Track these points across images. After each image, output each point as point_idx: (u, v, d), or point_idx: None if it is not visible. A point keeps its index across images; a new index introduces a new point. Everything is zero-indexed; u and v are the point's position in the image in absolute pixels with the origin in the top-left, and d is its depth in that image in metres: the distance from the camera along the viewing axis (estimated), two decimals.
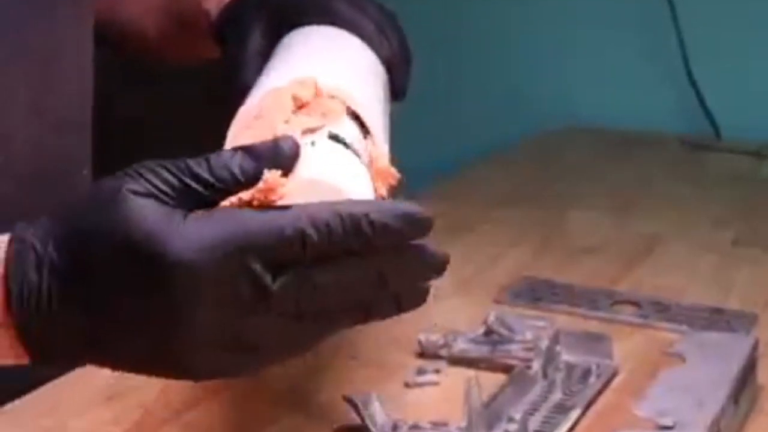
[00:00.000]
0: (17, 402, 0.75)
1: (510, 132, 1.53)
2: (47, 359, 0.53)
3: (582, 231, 1.12)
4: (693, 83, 1.50)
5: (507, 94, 1.61)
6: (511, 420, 0.68)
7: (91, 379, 0.78)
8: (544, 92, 1.59)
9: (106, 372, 0.78)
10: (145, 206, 0.48)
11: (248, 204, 0.49)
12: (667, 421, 0.68)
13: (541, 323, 0.85)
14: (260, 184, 0.49)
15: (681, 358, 0.77)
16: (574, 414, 0.73)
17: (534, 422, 0.72)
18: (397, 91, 0.73)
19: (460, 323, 0.86)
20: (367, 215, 0.48)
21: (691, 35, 1.49)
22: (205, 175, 0.50)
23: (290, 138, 0.51)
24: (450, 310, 0.91)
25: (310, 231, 0.48)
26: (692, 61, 1.49)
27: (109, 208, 0.49)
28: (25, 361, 0.53)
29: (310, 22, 0.71)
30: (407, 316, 0.89)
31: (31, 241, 0.50)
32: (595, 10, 1.56)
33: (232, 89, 0.69)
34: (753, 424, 0.75)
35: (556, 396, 0.75)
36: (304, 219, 0.48)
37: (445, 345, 0.82)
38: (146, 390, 0.76)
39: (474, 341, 0.82)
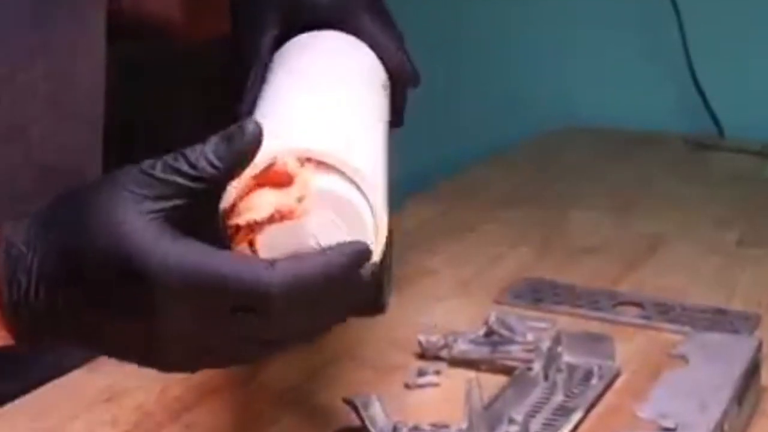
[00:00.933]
0: (15, 403, 0.75)
1: (510, 132, 1.53)
2: (33, 342, 0.57)
3: (583, 231, 1.12)
4: (696, 82, 1.50)
5: (507, 94, 1.61)
6: (512, 422, 0.68)
7: (89, 381, 0.78)
8: (545, 92, 1.59)
9: (105, 373, 0.79)
10: (132, 221, 0.52)
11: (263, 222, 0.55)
12: (670, 423, 0.68)
13: (542, 324, 0.85)
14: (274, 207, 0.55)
15: (684, 359, 0.77)
16: (576, 416, 0.73)
17: (535, 424, 0.71)
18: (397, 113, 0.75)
19: (461, 324, 0.86)
20: (325, 275, 0.54)
21: (694, 34, 1.49)
22: (185, 168, 0.53)
23: (253, 119, 0.54)
24: (450, 311, 0.91)
25: (275, 292, 0.53)
26: (695, 60, 1.49)
27: (96, 223, 0.53)
28: (8, 342, 0.57)
29: (325, 25, 0.72)
30: (407, 317, 0.90)
31: (19, 247, 0.55)
32: (596, 10, 1.56)
33: (236, 83, 0.70)
34: (756, 426, 0.75)
35: (558, 398, 0.75)
36: (277, 281, 0.53)
37: (446, 346, 0.82)
38: (145, 391, 0.76)
39: (474, 342, 0.82)
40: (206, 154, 0.53)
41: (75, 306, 0.55)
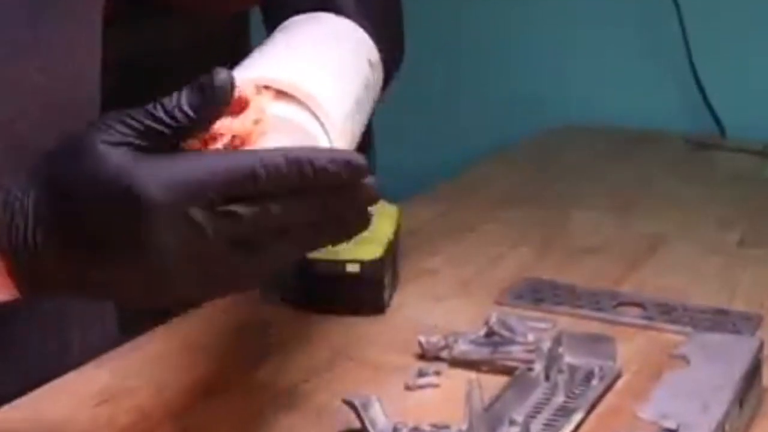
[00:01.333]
0: (15, 403, 0.75)
1: (511, 132, 1.52)
2: (35, 290, 0.58)
3: (584, 231, 1.12)
4: (697, 81, 1.49)
5: (507, 94, 1.61)
6: (512, 423, 0.68)
7: (88, 382, 0.78)
8: (546, 91, 1.59)
9: (103, 374, 0.79)
10: (113, 152, 0.55)
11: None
12: (671, 424, 0.67)
13: (543, 325, 0.85)
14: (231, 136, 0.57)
15: (685, 360, 0.76)
16: (577, 417, 0.73)
17: (536, 425, 0.71)
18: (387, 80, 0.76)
19: (461, 324, 0.85)
20: (310, 160, 0.56)
21: (696, 33, 1.48)
22: (161, 114, 0.56)
23: (224, 69, 0.57)
24: (451, 312, 0.91)
25: (260, 171, 0.55)
26: (696, 59, 1.49)
27: (84, 157, 0.56)
28: (12, 294, 0.58)
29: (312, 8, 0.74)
30: (407, 318, 0.90)
31: (15, 193, 0.57)
32: (596, 9, 1.56)
33: None
34: (758, 426, 0.74)
35: (559, 398, 0.75)
36: (257, 161, 0.55)
37: (446, 347, 0.81)
38: (142, 392, 0.76)
39: (475, 343, 0.81)
40: (182, 105, 0.56)
41: (71, 245, 0.56)
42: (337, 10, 0.73)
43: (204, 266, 0.56)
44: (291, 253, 0.58)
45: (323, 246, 0.59)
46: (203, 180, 0.55)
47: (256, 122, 0.58)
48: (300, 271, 0.89)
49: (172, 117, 0.56)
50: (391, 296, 0.92)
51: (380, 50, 0.74)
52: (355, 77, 0.69)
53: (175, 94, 0.56)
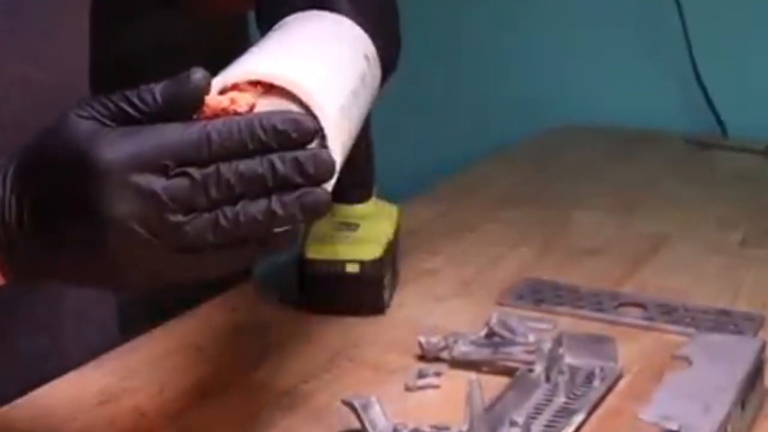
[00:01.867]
0: (14, 404, 0.75)
1: (511, 132, 1.52)
2: (14, 269, 0.59)
3: (585, 231, 1.12)
4: (699, 81, 1.49)
5: (508, 93, 1.60)
6: (513, 424, 0.68)
7: (87, 383, 0.78)
8: (547, 91, 1.59)
9: (103, 375, 0.78)
10: (82, 122, 0.58)
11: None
12: (673, 426, 0.67)
13: (543, 325, 0.85)
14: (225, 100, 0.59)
15: (687, 361, 0.76)
16: (578, 418, 0.72)
17: (537, 426, 0.71)
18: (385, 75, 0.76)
19: (461, 325, 0.85)
20: (260, 119, 0.58)
21: (697, 33, 1.48)
22: (135, 99, 0.58)
23: (201, 70, 0.59)
24: (451, 312, 0.90)
25: (214, 135, 0.57)
26: (698, 58, 1.48)
27: (56, 127, 0.59)
28: None
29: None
30: (407, 318, 0.90)
31: (2, 163, 0.59)
32: (597, 9, 1.56)
33: None
34: (760, 427, 0.74)
35: (560, 399, 0.74)
36: (210, 126, 0.57)
37: (446, 347, 0.81)
38: (142, 392, 0.76)
39: (475, 343, 0.81)
40: (154, 92, 0.58)
41: (37, 213, 0.57)
42: (333, 9, 0.73)
43: (163, 238, 0.56)
44: (249, 225, 0.57)
45: (282, 223, 0.58)
46: (159, 146, 0.56)
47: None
48: (299, 272, 0.89)
49: (144, 102, 0.58)
50: (391, 296, 0.92)
51: (377, 47, 0.73)
52: (351, 71, 0.69)
53: (153, 84, 0.59)
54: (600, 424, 0.73)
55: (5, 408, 0.74)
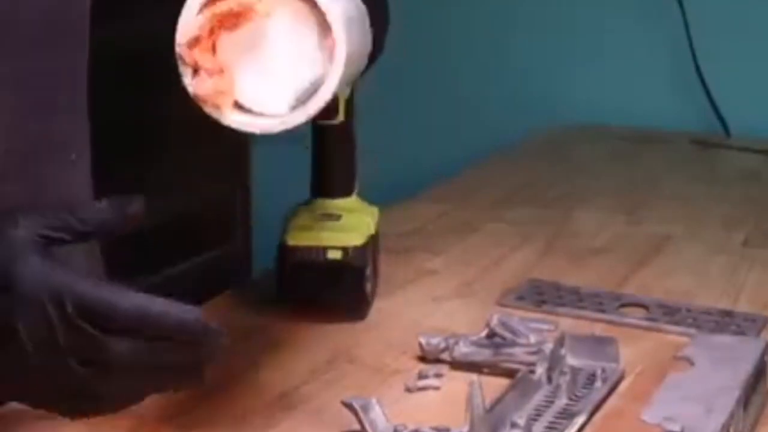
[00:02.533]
0: (10, 406, 0.74)
1: (515, 131, 1.52)
2: None
3: (588, 232, 1.11)
4: (702, 81, 1.49)
5: (508, 93, 1.60)
6: (514, 425, 0.67)
7: None
8: (550, 91, 1.59)
9: None
10: (22, 243, 0.59)
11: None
12: (675, 427, 0.67)
13: (545, 326, 0.85)
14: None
15: (689, 362, 0.76)
16: (580, 419, 0.72)
17: (538, 428, 0.71)
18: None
19: (462, 326, 0.85)
20: (156, 315, 0.60)
21: (701, 33, 1.48)
22: (74, 222, 0.61)
23: (141, 199, 0.62)
24: (452, 313, 0.90)
25: (111, 312, 0.59)
26: (701, 58, 1.48)
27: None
28: None
29: None
30: (408, 319, 0.89)
31: None
32: (598, 9, 1.55)
33: None
34: (763, 429, 0.74)
35: (561, 401, 0.74)
36: (118, 299, 0.59)
37: (447, 348, 0.81)
38: None
39: (476, 344, 0.81)
40: (94, 213, 0.62)
41: None
42: None
43: (57, 372, 0.59)
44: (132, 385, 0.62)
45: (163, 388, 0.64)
46: (68, 287, 0.58)
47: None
48: (279, 261, 0.87)
49: (84, 222, 0.61)
50: (373, 293, 0.90)
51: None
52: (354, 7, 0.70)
53: (95, 204, 0.62)
54: (602, 426, 0.72)
55: (7, 407, 0.74)
